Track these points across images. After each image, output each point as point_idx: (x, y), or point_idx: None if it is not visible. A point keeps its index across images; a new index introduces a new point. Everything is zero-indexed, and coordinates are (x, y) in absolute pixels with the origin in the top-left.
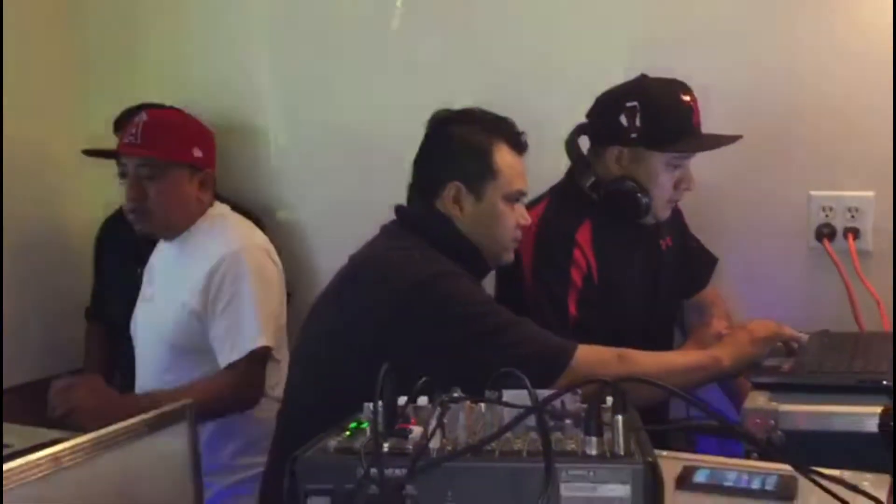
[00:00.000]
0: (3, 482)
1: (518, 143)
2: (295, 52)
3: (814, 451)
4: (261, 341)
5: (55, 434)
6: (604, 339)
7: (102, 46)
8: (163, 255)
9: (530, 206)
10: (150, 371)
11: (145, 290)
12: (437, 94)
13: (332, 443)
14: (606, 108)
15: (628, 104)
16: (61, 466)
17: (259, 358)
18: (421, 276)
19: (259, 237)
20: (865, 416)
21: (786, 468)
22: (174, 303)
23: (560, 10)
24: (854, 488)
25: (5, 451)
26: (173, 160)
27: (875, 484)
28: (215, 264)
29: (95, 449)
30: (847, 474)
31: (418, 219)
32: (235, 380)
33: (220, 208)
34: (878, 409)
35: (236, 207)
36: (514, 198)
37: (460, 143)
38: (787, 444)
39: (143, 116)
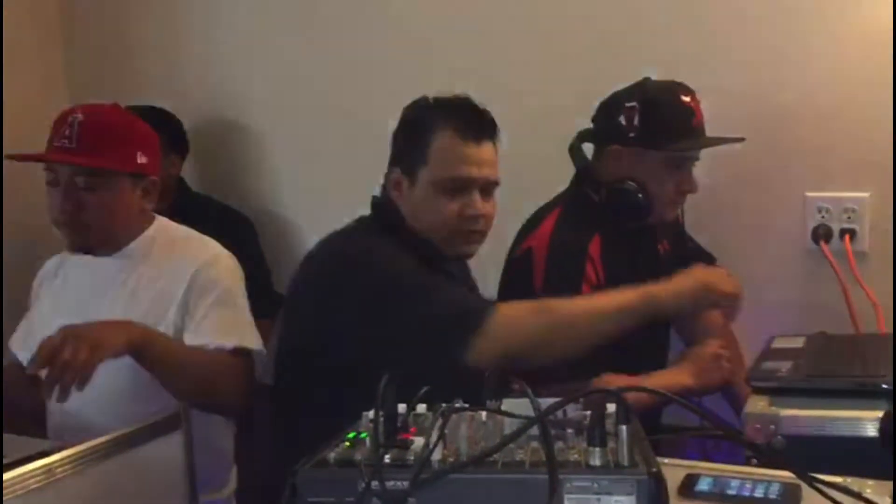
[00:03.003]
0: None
1: (469, 129)
2: (291, 50)
3: (815, 456)
4: (255, 342)
5: (47, 445)
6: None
7: (95, 45)
8: (94, 272)
9: (542, 214)
10: (104, 402)
11: (69, 310)
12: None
13: (332, 455)
14: (607, 110)
15: (627, 104)
16: (55, 477)
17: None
18: (348, 251)
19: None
20: (866, 420)
21: (788, 475)
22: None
23: (563, 10)
24: (857, 495)
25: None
26: (116, 170)
27: (877, 490)
28: (193, 276)
29: (89, 459)
30: (849, 480)
31: (373, 206)
32: (241, 367)
33: (164, 220)
34: (879, 413)
35: (229, 208)
36: (449, 186)
37: (402, 129)
38: (788, 450)
39: (79, 116)
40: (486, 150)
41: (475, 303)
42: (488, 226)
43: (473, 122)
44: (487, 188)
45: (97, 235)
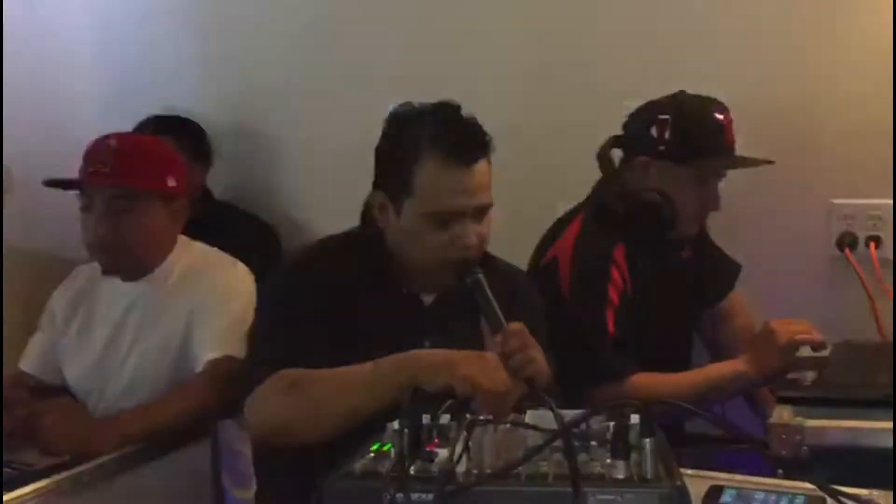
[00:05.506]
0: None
1: (458, 153)
2: (303, 55)
3: (841, 467)
4: (221, 351)
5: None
6: (634, 352)
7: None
8: (121, 300)
9: (563, 224)
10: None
11: (103, 336)
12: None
13: (357, 466)
14: (639, 119)
15: (661, 116)
16: (84, 485)
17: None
18: (279, 266)
19: (244, 268)
20: (892, 431)
21: (814, 487)
22: (169, 350)
23: (581, 23)
24: None
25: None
26: (149, 190)
27: None
28: (201, 298)
29: (118, 468)
30: (875, 493)
31: (354, 235)
32: (216, 378)
33: (187, 240)
34: None
35: (253, 217)
36: (440, 218)
37: (386, 152)
38: (813, 461)
39: (112, 143)
40: (476, 172)
41: (258, 368)
42: (482, 249)
43: (463, 142)
44: (479, 213)
45: (131, 258)
